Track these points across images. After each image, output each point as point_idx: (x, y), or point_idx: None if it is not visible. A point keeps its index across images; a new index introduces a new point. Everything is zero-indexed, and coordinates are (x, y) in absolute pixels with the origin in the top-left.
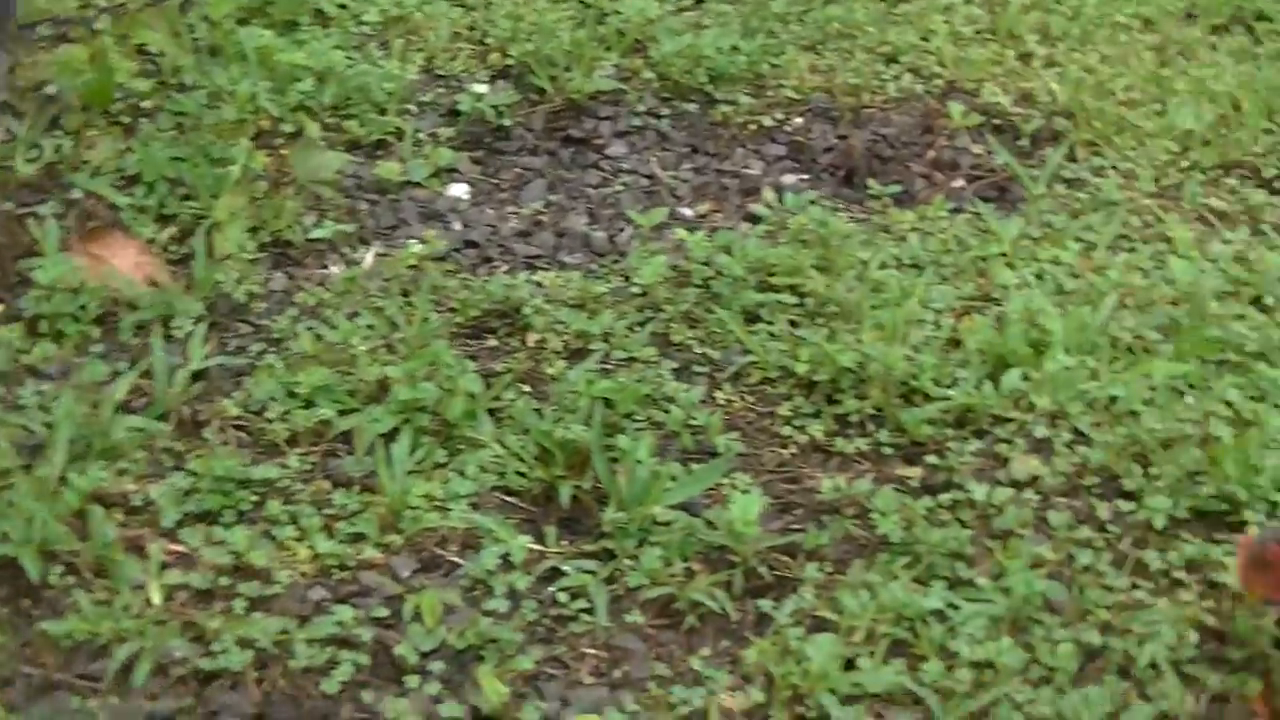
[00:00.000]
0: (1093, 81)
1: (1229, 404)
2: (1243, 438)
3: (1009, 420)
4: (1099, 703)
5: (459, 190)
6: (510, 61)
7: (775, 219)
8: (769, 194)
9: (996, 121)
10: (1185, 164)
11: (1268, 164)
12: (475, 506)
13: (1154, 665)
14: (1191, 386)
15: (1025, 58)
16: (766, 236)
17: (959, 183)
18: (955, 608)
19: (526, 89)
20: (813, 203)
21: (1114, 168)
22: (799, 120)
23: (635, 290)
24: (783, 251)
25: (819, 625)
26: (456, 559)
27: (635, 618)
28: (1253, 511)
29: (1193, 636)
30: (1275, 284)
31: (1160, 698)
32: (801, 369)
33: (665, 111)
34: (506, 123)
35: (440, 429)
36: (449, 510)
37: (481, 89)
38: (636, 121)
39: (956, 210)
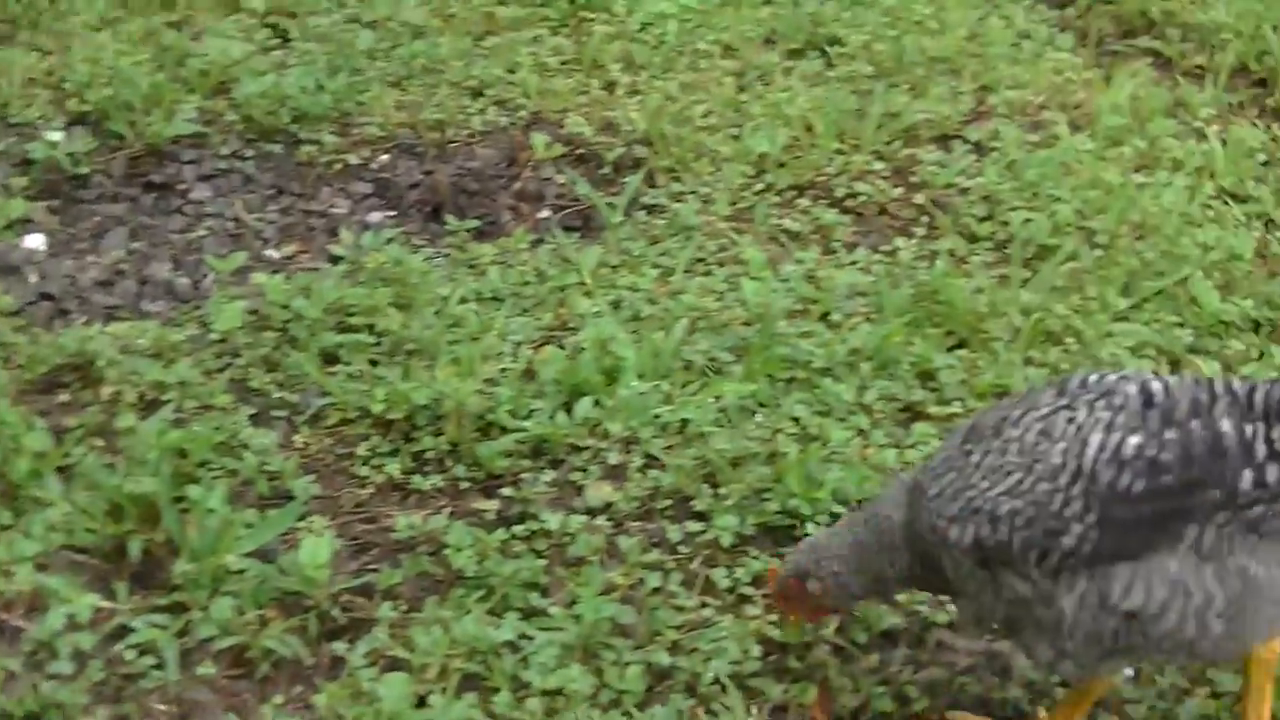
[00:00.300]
0: (673, 109)
1: (796, 420)
2: (806, 453)
3: (584, 448)
4: None
5: (35, 241)
6: (88, 107)
7: (355, 259)
8: (347, 233)
9: (580, 151)
10: (760, 186)
11: (838, 184)
12: (42, 567)
13: (718, 681)
14: (761, 405)
15: (609, 87)
16: (346, 276)
17: (545, 213)
18: (528, 638)
19: (105, 135)
20: (390, 240)
21: (692, 193)
22: (385, 157)
23: (214, 337)
24: (360, 291)
25: (393, 664)
26: (21, 623)
27: (207, 669)
28: (815, 525)
29: (756, 650)
30: (843, 300)
31: (724, 712)
32: (377, 408)
33: (250, 153)
34: (84, 170)
35: (4, 490)
36: (13, 574)
37: (57, 136)
38: (221, 164)
39: (538, 241)
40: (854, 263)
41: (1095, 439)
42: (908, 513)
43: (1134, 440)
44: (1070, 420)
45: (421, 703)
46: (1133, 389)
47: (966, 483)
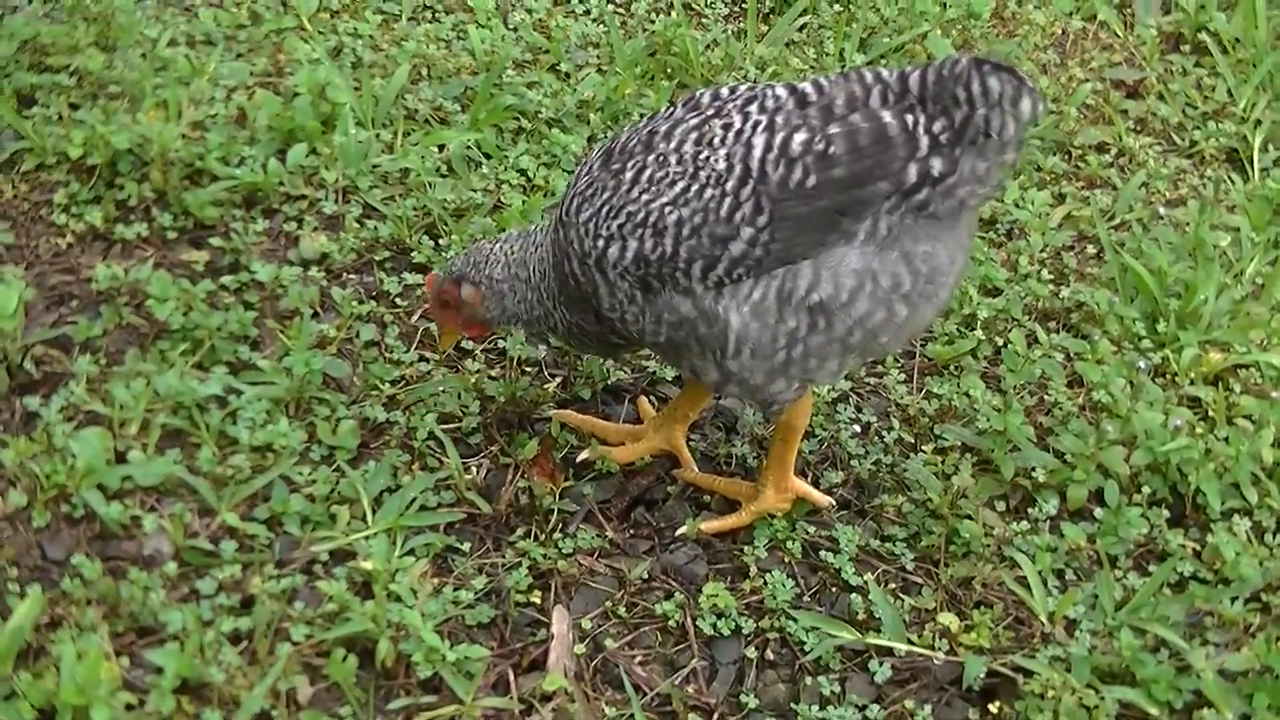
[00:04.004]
0: None
1: (522, 171)
2: (530, 203)
3: (298, 198)
4: (378, 477)
5: None
6: None
7: None
8: None
9: None
10: None
11: None
12: None
13: (434, 436)
14: (486, 156)
15: None
16: (44, 16)
17: None
18: (237, 392)
19: None
20: None
21: None
22: None
23: None
24: (59, 29)
25: (91, 420)
26: None
27: None
28: None
29: (475, 405)
30: (574, 50)
31: (440, 468)
32: (75, 153)
33: None
34: None
35: None
36: None
37: None
38: None
39: None
40: (586, 13)
41: (760, 140)
42: (554, 253)
43: (800, 136)
44: (726, 127)
45: (120, 459)
46: (782, 91)
47: (624, 199)
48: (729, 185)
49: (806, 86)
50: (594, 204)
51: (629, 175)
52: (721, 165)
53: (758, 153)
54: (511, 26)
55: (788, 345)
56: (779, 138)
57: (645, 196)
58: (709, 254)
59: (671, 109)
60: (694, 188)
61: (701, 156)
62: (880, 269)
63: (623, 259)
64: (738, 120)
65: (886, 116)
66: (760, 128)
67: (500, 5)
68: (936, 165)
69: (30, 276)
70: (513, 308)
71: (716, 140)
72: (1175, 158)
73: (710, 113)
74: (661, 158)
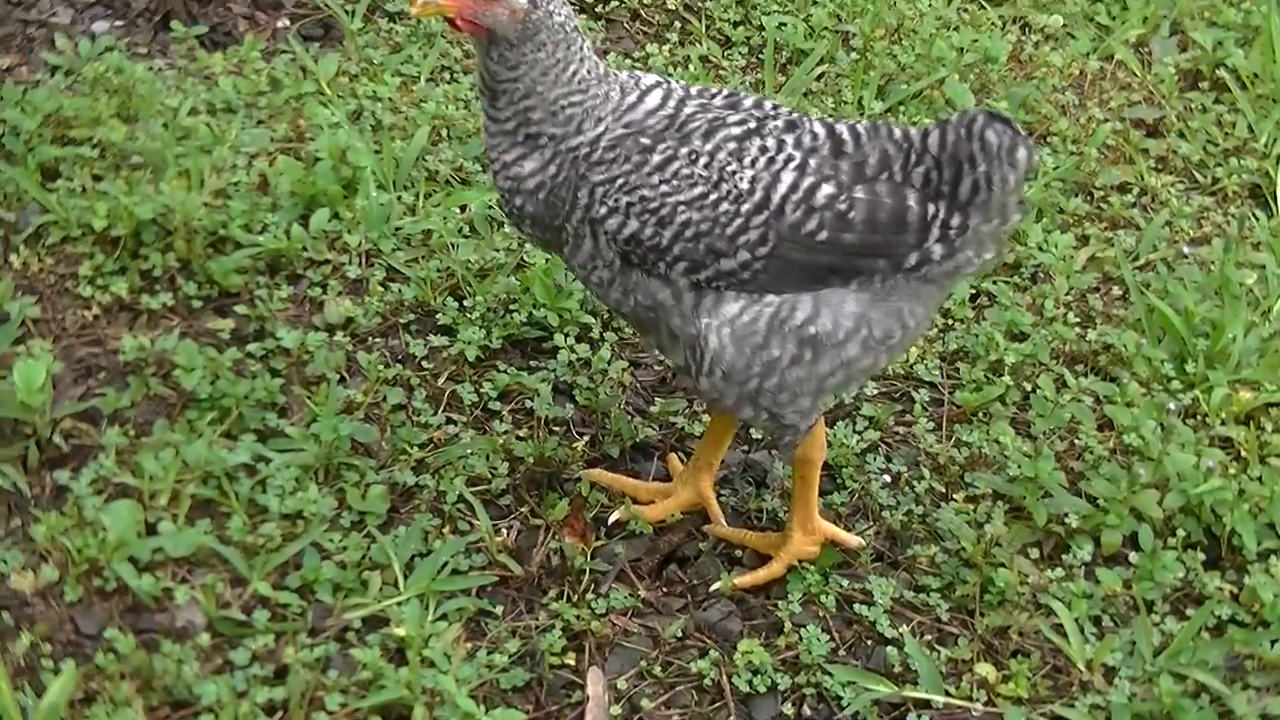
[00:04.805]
0: None
1: None
2: (552, 261)
3: (322, 263)
4: (409, 541)
5: None
6: None
7: (74, 69)
8: (64, 41)
9: None
10: None
11: None
12: None
13: (464, 499)
14: None
15: None
16: (67, 88)
17: (283, 22)
18: (265, 460)
19: None
20: (110, 49)
21: None
22: None
23: None
24: (81, 102)
25: (121, 492)
26: None
27: None
28: (563, 336)
29: (504, 467)
30: None
31: (471, 531)
32: (100, 224)
33: None
34: None
35: None
36: None
37: None
38: None
39: (275, 52)
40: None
41: (788, 177)
42: (559, 161)
43: (827, 189)
44: (764, 150)
45: (151, 530)
46: (820, 130)
47: (644, 180)
48: (744, 207)
49: (843, 130)
50: (612, 170)
51: (656, 159)
52: (745, 185)
53: (783, 189)
54: None
55: (762, 374)
56: (807, 182)
57: (665, 187)
58: (700, 260)
59: (738, 96)
60: (712, 197)
61: (729, 169)
62: (876, 319)
63: (620, 232)
64: (773, 145)
65: (911, 201)
66: (793, 164)
67: None
68: (937, 251)
69: (58, 349)
70: (513, 67)
71: (749, 158)
72: (1198, 196)
73: (752, 123)
74: (694, 155)
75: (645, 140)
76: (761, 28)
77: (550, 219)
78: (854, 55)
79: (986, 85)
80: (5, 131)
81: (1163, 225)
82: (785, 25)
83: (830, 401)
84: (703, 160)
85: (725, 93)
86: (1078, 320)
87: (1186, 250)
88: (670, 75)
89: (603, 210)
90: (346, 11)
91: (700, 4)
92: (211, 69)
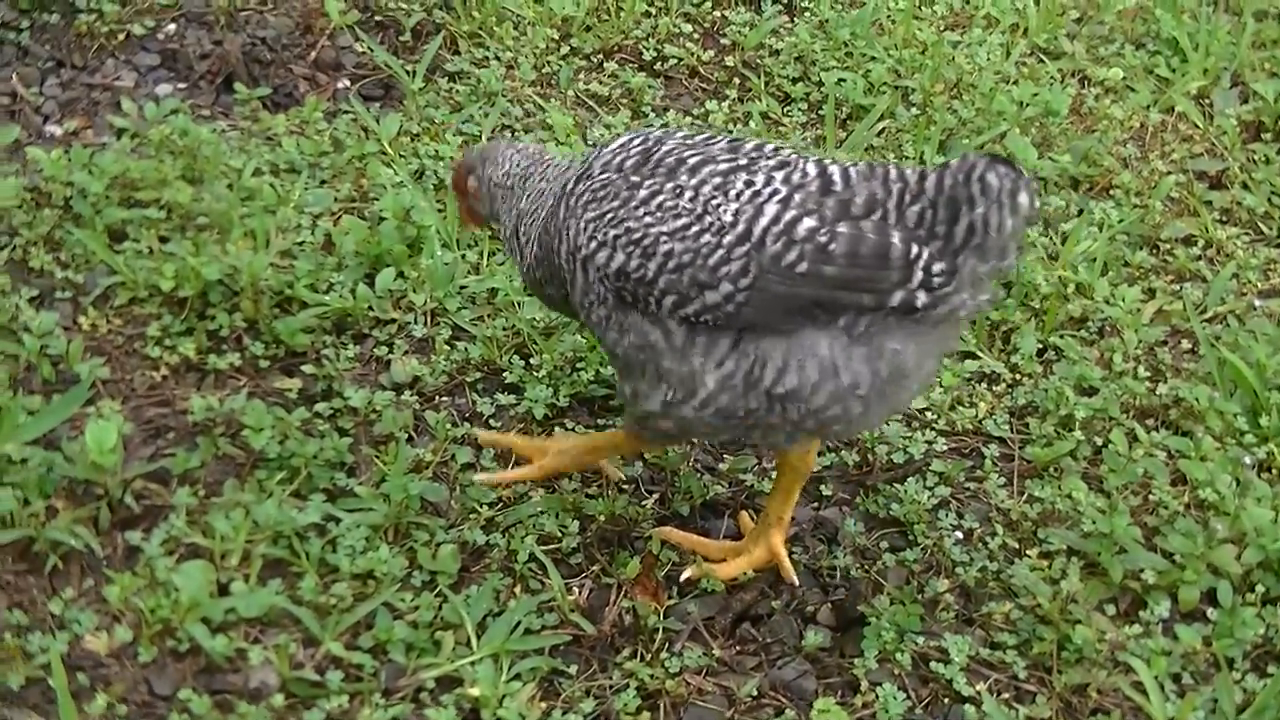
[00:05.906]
0: None
1: None
2: None
3: (388, 322)
4: (481, 601)
5: None
6: None
7: (140, 131)
8: (129, 104)
9: (378, 18)
10: (565, 50)
11: (647, 46)
12: None
13: (535, 558)
14: None
15: None
16: (132, 150)
17: (344, 83)
18: (335, 520)
19: None
20: (175, 111)
21: (495, 58)
22: (171, 27)
23: None
24: (147, 164)
25: (192, 552)
26: None
27: None
28: None
29: (574, 525)
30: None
31: (542, 590)
32: (168, 285)
33: (24, 24)
34: None
35: None
36: None
37: None
38: None
39: (337, 112)
40: (664, 125)
41: (771, 210)
42: (550, 222)
43: (809, 222)
44: (749, 185)
45: (224, 591)
46: (812, 170)
47: (630, 214)
48: (726, 239)
49: (834, 172)
50: (600, 207)
51: (642, 194)
52: (728, 218)
53: (764, 221)
54: (591, 143)
55: (744, 418)
56: (789, 215)
57: (649, 219)
58: (684, 293)
59: (720, 139)
60: (695, 229)
61: (714, 203)
62: (844, 365)
63: (607, 267)
64: (760, 180)
65: (895, 239)
66: (777, 198)
67: (579, 122)
68: (921, 299)
69: (127, 410)
70: (498, 215)
71: (733, 192)
72: (1264, 248)
73: (744, 161)
74: (679, 190)
75: (633, 178)
76: (820, 84)
77: (552, 273)
78: (914, 110)
79: (1048, 138)
80: (73, 194)
81: (1230, 278)
82: (844, 81)
83: (825, 437)
84: (687, 194)
85: (724, 136)
86: (1147, 374)
87: (1257, 303)
88: (731, 129)
89: (592, 245)
90: (407, 72)
91: (759, 61)
92: (274, 130)
